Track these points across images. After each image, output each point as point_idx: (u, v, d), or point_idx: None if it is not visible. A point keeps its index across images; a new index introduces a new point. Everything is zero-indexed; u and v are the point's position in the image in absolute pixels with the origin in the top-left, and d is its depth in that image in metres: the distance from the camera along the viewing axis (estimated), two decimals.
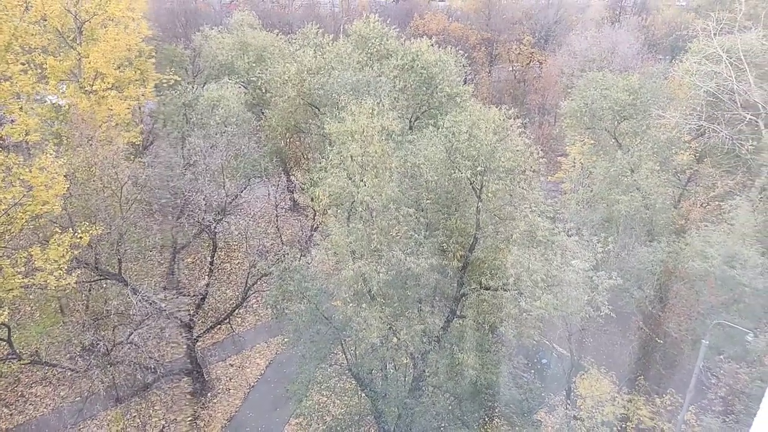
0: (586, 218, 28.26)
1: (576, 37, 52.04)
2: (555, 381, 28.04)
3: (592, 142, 32.39)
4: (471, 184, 18.98)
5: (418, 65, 28.30)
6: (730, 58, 29.24)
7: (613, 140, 30.53)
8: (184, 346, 28.09)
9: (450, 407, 21.54)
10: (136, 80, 33.24)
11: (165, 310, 23.83)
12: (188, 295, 31.47)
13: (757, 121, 27.98)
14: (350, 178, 19.08)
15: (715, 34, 31.31)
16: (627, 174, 27.42)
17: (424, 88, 28.55)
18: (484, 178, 18.59)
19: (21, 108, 26.70)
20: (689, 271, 23.11)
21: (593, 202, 29.40)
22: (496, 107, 19.80)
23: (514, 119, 19.39)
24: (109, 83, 30.27)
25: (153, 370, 24.92)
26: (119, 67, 31.97)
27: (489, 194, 18.92)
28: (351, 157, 19.14)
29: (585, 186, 30.96)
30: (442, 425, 21.53)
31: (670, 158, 30.69)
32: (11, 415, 26.58)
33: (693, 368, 22.53)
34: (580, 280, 17.39)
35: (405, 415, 20.48)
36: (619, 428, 24.21)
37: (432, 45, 29.24)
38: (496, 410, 23.28)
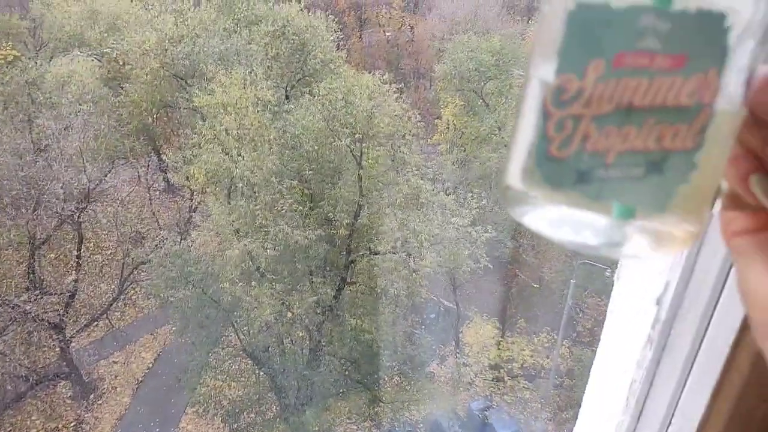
0: (461, 177, 29.65)
1: (443, 0, 53.26)
2: (443, 333, 29.57)
3: (463, 103, 33.74)
4: (351, 151, 19.01)
5: (289, 31, 27.42)
6: None
7: (480, 101, 32.03)
8: (57, 349, 25.80)
9: (347, 372, 21.96)
10: None
11: (30, 313, 21.62)
12: (55, 294, 28.76)
13: None
14: (227, 154, 18.28)
15: None
16: (495, 132, 29.00)
17: (298, 56, 27.80)
18: (364, 144, 18.69)
19: None
20: None
21: (467, 161, 30.84)
22: (370, 73, 19.88)
23: (390, 84, 19.60)
24: None
25: (25, 379, 22.68)
26: None
27: (370, 161, 19.10)
28: (225, 130, 18.32)
29: (459, 146, 32.33)
30: (341, 390, 21.96)
31: None
32: None
33: (564, 307, 24.86)
34: (460, 236, 18.37)
35: (304, 386, 20.59)
36: (506, 369, 26.23)
37: (301, 10, 28.45)
38: (395, 368, 24.17)
